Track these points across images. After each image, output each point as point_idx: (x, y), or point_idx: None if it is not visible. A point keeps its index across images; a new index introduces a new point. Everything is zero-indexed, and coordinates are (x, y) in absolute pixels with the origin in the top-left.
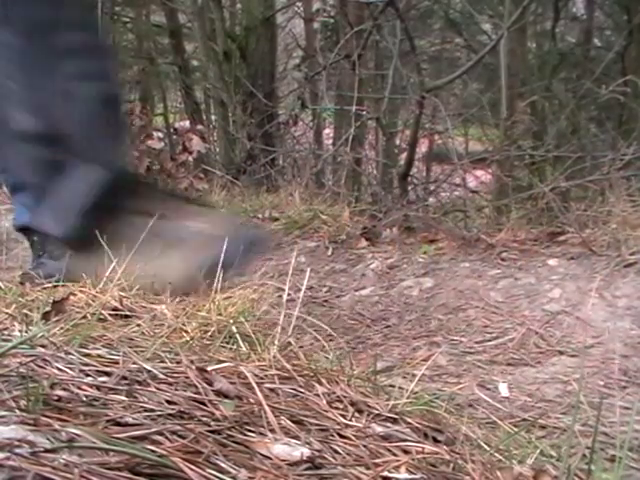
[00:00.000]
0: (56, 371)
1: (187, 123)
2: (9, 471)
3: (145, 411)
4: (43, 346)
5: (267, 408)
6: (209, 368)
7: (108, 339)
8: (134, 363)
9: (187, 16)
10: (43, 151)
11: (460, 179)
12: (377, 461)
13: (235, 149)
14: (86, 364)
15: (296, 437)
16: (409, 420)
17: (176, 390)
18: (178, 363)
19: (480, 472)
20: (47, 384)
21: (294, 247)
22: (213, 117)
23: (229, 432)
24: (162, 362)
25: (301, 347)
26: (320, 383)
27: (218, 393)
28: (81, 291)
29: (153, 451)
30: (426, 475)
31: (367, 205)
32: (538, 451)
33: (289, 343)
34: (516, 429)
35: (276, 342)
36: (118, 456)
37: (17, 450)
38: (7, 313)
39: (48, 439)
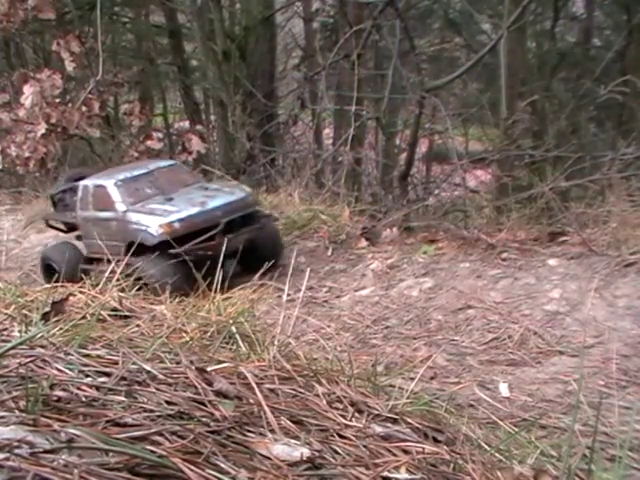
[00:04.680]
0: (55, 372)
1: (186, 123)
2: (9, 471)
3: (145, 411)
4: (42, 347)
5: (267, 408)
6: (209, 368)
7: (107, 340)
8: (133, 363)
9: (186, 16)
10: None
11: (460, 179)
12: (377, 461)
13: (234, 149)
14: (86, 365)
15: (296, 437)
16: (409, 420)
17: (176, 390)
18: (178, 363)
19: (480, 472)
20: (46, 385)
21: (294, 247)
22: (212, 117)
23: (229, 432)
24: (162, 362)
25: (301, 347)
26: (320, 383)
27: (218, 393)
28: (80, 292)
29: (153, 451)
30: (426, 475)
31: (367, 205)
32: (538, 451)
33: (289, 343)
34: (516, 429)
35: (276, 342)
36: (118, 456)
37: (17, 450)
38: (6, 314)
39: (47, 440)
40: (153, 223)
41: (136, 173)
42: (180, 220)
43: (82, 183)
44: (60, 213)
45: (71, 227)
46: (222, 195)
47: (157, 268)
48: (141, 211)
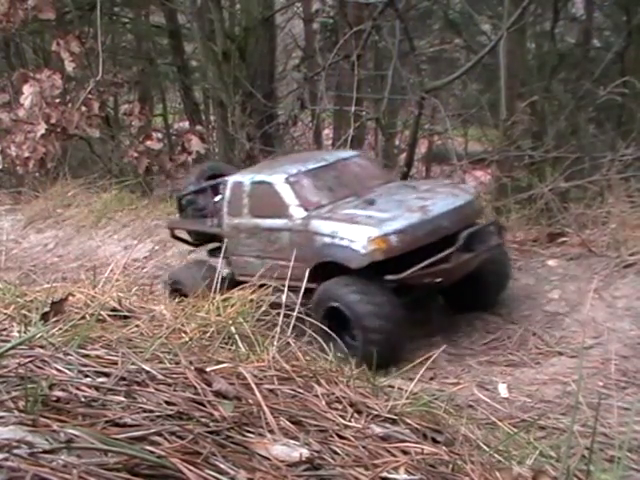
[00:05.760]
0: (55, 372)
1: (186, 124)
2: (8, 472)
3: (144, 412)
4: (42, 347)
5: (266, 409)
6: (208, 369)
7: (107, 340)
8: (133, 364)
9: (186, 17)
10: None
11: (459, 179)
12: (376, 462)
13: (234, 149)
14: (85, 365)
15: (295, 438)
16: (408, 421)
17: (175, 391)
18: (177, 364)
19: (479, 473)
20: (46, 385)
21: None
22: (212, 117)
23: (228, 433)
24: (161, 363)
25: (300, 348)
26: (319, 384)
27: (217, 394)
28: (80, 292)
29: (152, 452)
30: (425, 476)
31: None
32: (537, 452)
33: (288, 344)
34: (515, 430)
35: (275, 343)
36: (117, 457)
37: (16, 451)
38: (6, 314)
39: (47, 440)
40: (359, 236)
41: (312, 166)
42: (398, 232)
43: (232, 180)
44: (190, 220)
45: (205, 239)
46: (443, 198)
47: (365, 303)
48: (334, 218)
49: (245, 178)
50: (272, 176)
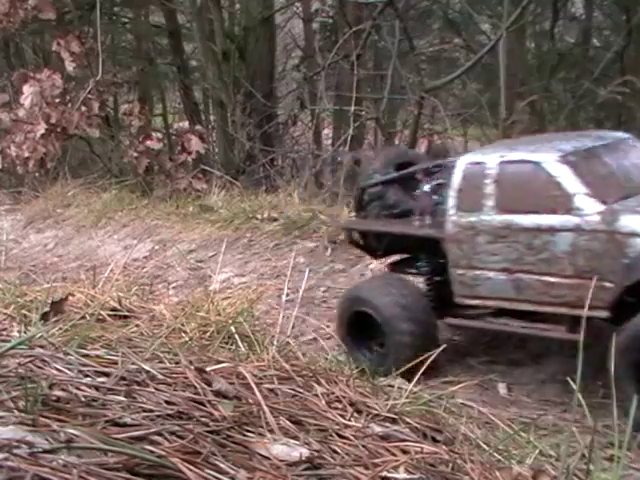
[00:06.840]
0: (55, 372)
1: (186, 123)
2: (8, 471)
3: (144, 411)
4: (42, 347)
5: (266, 408)
6: (208, 368)
7: (107, 339)
8: (133, 363)
9: (186, 17)
10: None
11: None
12: (376, 461)
13: (234, 149)
14: (85, 365)
15: (295, 437)
16: (408, 420)
17: (175, 390)
18: (177, 363)
19: (479, 472)
20: (46, 385)
21: (293, 247)
22: (212, 117)
23: (228, 432)
24: (161, 362)
25: (300, 347)
26: (319, 383)
27: (217, 393)
28: (80, 291)
29: (152, 452)
30: (425, 475)
31: None
32: (537, 451)
33: (288, 343)
34: (515, 429)
35: (275, 342)
36: (117, 457)
37: (16, 450)
38: (6, 313)
39: (47, 440)
40: None
41: (592, 144)
42: None
43: (464, 161)
44: (380, 221)
45: (400, 245)
46: None
47: None
48: None
49: (489, 158)
50: (538, 154)
